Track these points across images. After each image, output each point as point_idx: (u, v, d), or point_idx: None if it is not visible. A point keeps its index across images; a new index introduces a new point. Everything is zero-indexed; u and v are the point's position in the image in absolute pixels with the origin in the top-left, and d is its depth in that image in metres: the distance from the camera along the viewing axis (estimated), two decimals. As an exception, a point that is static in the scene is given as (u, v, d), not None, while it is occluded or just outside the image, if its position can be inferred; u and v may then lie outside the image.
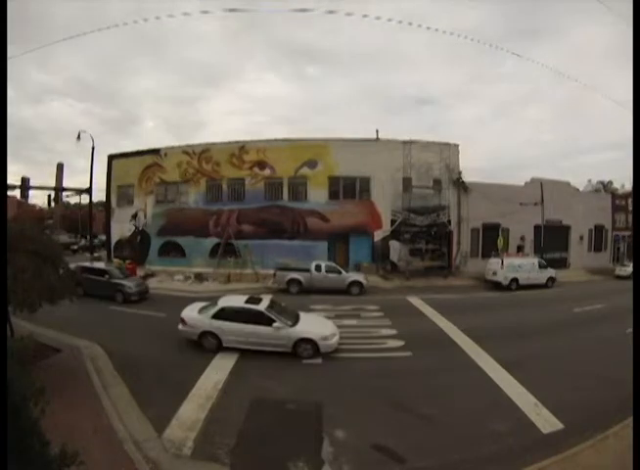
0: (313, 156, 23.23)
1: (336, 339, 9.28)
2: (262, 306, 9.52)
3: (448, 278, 21.79)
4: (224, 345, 9.22)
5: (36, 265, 7.03)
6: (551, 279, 20.58)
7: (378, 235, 23.30)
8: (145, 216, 25.37)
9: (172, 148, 25.14)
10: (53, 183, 23.88)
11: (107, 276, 15.16)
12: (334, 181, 23.40)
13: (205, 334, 9.34)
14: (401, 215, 22.89)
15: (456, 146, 24.23)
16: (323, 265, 17.87)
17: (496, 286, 19.70)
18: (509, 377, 8.10)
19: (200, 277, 19.94)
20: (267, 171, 23.56)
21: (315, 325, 9.67)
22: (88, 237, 30.99)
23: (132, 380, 7.63)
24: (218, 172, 24.04)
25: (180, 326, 9.71)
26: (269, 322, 9.08)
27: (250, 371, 8.28)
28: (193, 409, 6.60)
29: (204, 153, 24.31)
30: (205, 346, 9.34)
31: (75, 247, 36.14)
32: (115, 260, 23.07)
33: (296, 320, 9.62)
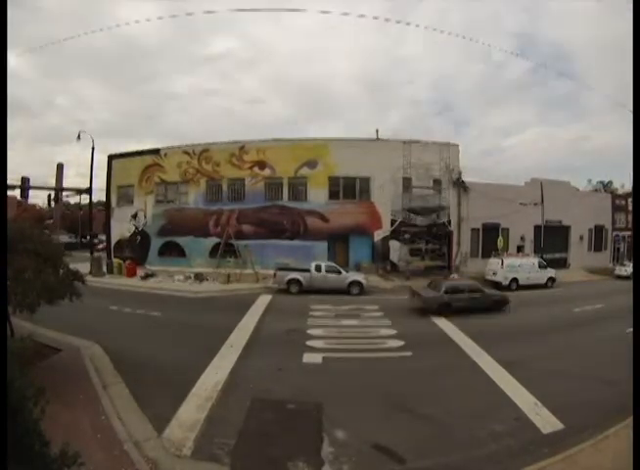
0: (313, 156, 23.23)
1: None
2: None
3: (448, 278, 21.76)
4: None
5: (36, 265, 7.02)
6: (551, 279, 20.57)
7: (378, 235, 23.30)
8: (145, 216, 25.37)
9: (172, 148, 25.16)
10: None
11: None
12: (334, 181, 23.41)
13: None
14: (401, 215, 22.88)
15: (456, 146, 24.25)
16: (323, 265, 17.87)
17: (496, 286, 19.69)
18: (509, 377, 8.09)
19: (200, 277, 19.93)
20: (267, 171, 23.56)
21: None
22: (88, 237, 30.98)
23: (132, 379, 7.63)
24: (218, 172, 24.05)
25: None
26: None
27: (250, 371, 8.28)
28: (193, 409, 6.60)
29: (204, 153, 24.32)
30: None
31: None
32: (116, 260, 23.09)
33: None
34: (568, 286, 20.81)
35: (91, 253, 23.48)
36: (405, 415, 6.63)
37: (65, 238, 37.98)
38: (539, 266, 20.51)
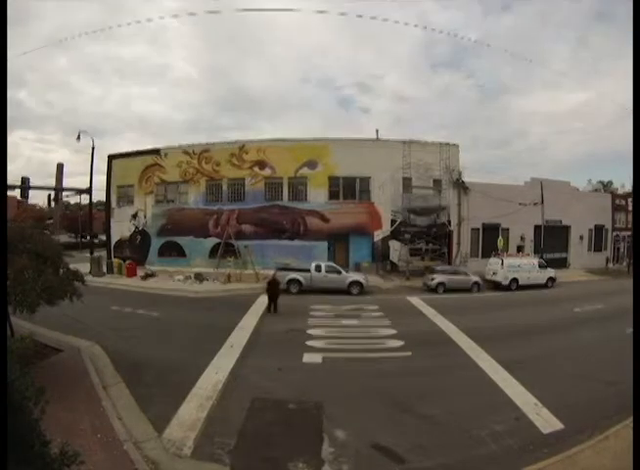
0: (313, 156, 23.24)
1: None
2: None
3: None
4: None
5: (36, 266, 7.02)
6: (551, 279, 20.57)
7: (378, 235, 23.30)
8: (145, 216, 25.38)
9: (172, 148, 25.16)
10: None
11: None
12: (334, 181, 23.42)
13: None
14: (401, 215, 22.89)
15: (456, 146, 24.25)
16: (323, 265, 17.87)
17: (496, 286, 19.71)
18: (509, 377, 8.09)
19: (200, 277, 19.93)
20: (267, 171, 23.57)
21: None
22: (88, 237, 31.00)
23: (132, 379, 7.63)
24: (218, 172, 24.06)
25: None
26: None
27: (250, 371, 8.28)
28: (193, 409, 6.59)
29: (204, 153, 24.32)
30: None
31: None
32: (116, 260, 23.09)
33: None
34: (568, 286, 20.81)
35: (91, 253, 23.47)
36: (405, 415, 6.63)
37: (65, 238, 38.01)
38: (539, 266, 20.51)
